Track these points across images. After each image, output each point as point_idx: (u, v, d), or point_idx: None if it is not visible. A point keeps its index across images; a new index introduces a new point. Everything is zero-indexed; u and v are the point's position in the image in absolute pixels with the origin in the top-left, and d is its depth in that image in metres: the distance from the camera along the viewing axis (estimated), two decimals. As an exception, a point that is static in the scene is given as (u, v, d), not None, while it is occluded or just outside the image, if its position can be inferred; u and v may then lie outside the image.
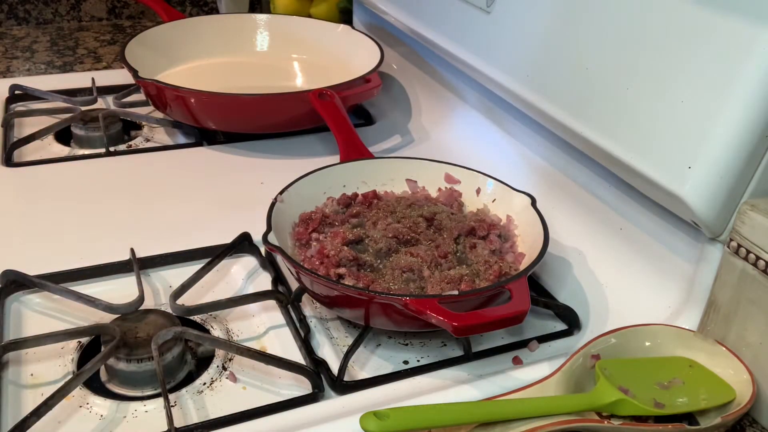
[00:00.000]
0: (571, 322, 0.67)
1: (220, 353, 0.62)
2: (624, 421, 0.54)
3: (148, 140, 0.99)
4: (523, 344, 0.65)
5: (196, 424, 0.54)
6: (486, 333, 0.65)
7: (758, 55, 0.52)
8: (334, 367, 0.60)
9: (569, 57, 0.69)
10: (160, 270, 0.72)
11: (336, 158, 0.83)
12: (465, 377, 0.61)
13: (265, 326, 0.66)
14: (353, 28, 1.17)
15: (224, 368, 0.61)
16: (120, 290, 0.67)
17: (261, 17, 1.19)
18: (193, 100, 0.91)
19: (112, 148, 0.95)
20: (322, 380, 0.59)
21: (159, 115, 1.01)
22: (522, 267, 0.67)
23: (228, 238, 0.73)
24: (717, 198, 0.55)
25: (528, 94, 0.74)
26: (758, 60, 0.52)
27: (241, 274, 0.72)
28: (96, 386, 0.58)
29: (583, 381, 0.57)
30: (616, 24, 0.64)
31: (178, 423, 0.54)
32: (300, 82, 1.14)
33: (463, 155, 0.82)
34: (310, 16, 1.28)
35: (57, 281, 0.66)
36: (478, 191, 0.76)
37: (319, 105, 0.90)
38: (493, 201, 0.75)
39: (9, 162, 0.89)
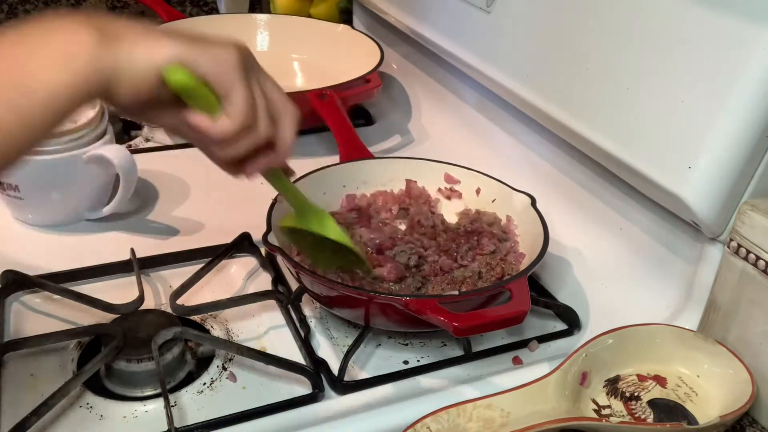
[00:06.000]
0: (571, 322, 0.67)
1: (220, 353, 0.62)
2: (623, 420, 0.54)
3: (148, 140, 0.98)
4: (523, 344, 0.65)
5: (196, 424, 0.54)
6: (486, 333, 0.65)
7: (758, 55, 0.52)
8: (334, 367, 0.60)
9: (569, 57, 0.69)
10: (160, 270, 0.72)
11: (336, 158, 0.82)
12: (465, 377, 0.61)
13: (265, 326, 0.66)
14: (353, 28, 1.16)
15: (224, 368, 0.61)
16: (120, 290, 0.67)
17: (261, 17, 1.19)
18: (193, 100, 0.91)
19: (112, 148, 0.95)
20: (322, 380, 0.59)
21: (159, 115, 1.01)
22: (522, 267, 0.67)
23: (228, 238, 0.73)
24: (717, 198, 0.55)
25: (528, 94, 0.74)
26: (758, 60, 0.52)
27: (241, 274, 0.72)
28: (96, 386, 0.58)
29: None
30: (616, 24, 0.64)
31: (178, 423, 0.54)
32: (300, 82, 1.14)
33: (463, 155, 0.82)
34: (310, 16, 1.28)
35: (57, 281, 0.66)
36: (478, 191, 0.76)
37: (319, 105, 0.90)
38: (493, 201, 0.75)
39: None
